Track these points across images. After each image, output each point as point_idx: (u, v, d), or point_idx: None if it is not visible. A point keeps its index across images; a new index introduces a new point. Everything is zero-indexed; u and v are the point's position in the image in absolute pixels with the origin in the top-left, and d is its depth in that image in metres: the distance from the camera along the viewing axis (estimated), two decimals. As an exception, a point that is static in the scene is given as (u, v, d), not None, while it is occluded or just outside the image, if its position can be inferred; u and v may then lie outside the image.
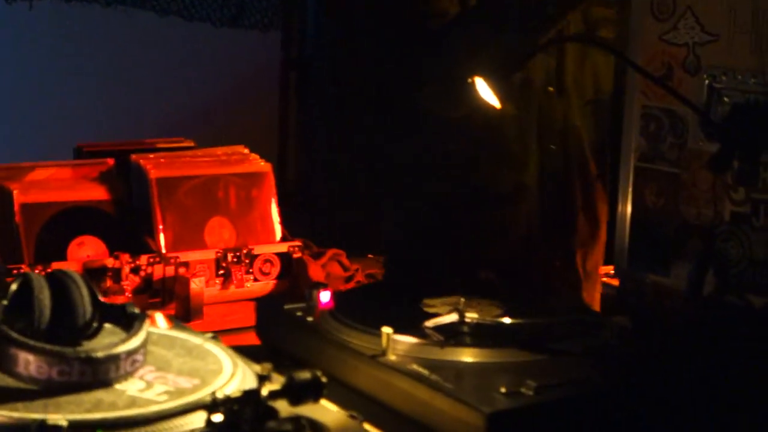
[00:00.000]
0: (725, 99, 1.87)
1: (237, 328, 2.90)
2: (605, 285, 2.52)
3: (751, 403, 1.61)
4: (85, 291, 1.49)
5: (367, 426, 1.41)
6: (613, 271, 2.48)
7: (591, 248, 2.58)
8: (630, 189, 2.01)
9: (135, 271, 2.88)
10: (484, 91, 2.01)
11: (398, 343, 1.63)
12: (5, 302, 1.43)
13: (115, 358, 1.40)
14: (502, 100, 2.06)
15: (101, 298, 1.52)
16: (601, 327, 1.73)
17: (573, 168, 2.51)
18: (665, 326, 1.80)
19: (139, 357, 1.44)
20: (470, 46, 2.22)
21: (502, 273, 2.33)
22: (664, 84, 1.92)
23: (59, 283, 1.48)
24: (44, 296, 1.45)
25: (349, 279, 3.19)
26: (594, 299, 2.55)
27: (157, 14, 4.66)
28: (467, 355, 1.62)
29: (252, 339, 2.67)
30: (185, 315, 2.87)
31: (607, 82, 2.49)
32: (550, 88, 2.45)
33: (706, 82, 1.89)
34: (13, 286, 1.46)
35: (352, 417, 1.41)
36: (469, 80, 2.03)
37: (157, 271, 2.91)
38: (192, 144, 3.33)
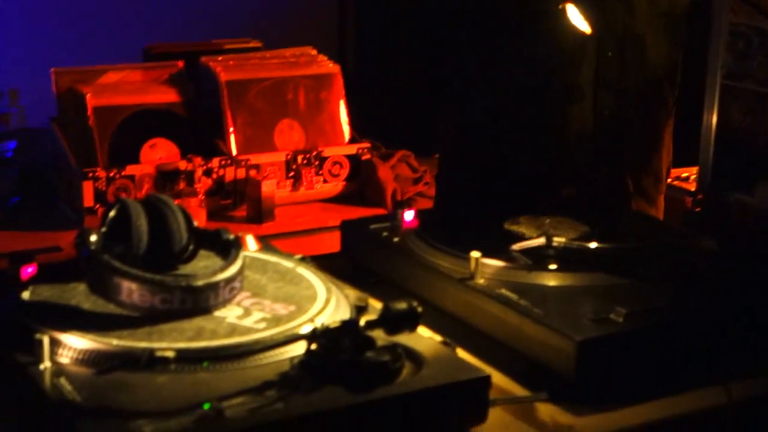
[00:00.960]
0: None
1: (307, 229, 2.94)
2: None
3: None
4: (180, 217, 1.50)
5: (459, 352, 1.43)
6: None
7: (647, 163, 2.55)
8: (716, 106, 1.98)
9: (207, 173, 2.91)
10: (575, 16, 1.98)
11: (486, 266, 1.63)
12: (104, 229, 1.45)
13: (214, 286, 1.42)
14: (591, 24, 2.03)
15: (196, 223, 1.53)
16: (690, 250, 1.72)
17: (630, 77, 2.47)
18: (751, 246, 1.79)
19: (236, 284, 1.46)
20: None
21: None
22: (753, 2, 1.88)
23: (155, 209, 1.49)
24: (142, 222, 1.47)
25: (417, 180, 3.20)
26: (649, 208, 2.53)
27: None
28: (555, 279, 1.62)
29: (324, 241, 2.71)
30: (257, 217, 2.90)
31: None
32: None
33: (800, -4, 1.85)
34: (111, 213, 1.47)
35: (445, 344, 1.42)
36: (560, 6, 2.00)
37: (229, 174, 2.95)
38: (259, 44, 3.33)
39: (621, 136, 2.44)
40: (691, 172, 2.41)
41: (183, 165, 2.88)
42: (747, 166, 1.94)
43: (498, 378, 1.47)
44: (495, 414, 1.37)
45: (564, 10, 2.01)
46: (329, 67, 3.16)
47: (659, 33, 2.44)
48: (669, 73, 2.48)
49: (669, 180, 2.47)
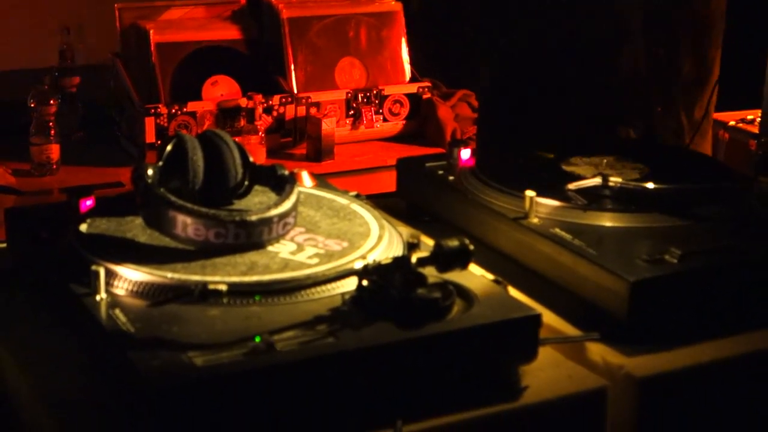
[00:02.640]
0: None
1: (366, 168, 2.95)
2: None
3: None
4: (236, 152, 1.51)
5: (511, 290, 1.43)
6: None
7: (698, 96, 2.50)
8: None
9: (267, 111, 2.93)
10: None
11: (541, 205, 1.62)
12: (161, 164, 1.46)
13: (268, 221, 1.42)
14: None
15: (251, 159, 1.53)
16: (750, 193, 1.69)
17: (681, 10, 2.42)
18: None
19: (290, 220, 1.46)
20: None
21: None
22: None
23: (211, 144, 1.50)
24: (198, 157, 1.47)
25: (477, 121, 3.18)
26: (702, 148, 2.49)
27: None
28: (610, 220, 1.61)
29: (382, 180, 2.71)
30: (316, 155, 2.92)
31: None
32: None
33: None
34: (168, 147, 1.48)
35: (496, 282, 1.42)
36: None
37: (289, 112, 2.96)
38: (321, -19, 3.31)
39: (674, 75, 2.41)
40: (756, 115, 2.37)
41: (244, 102, 2.90)
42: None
43: (549, 317, 1.47)
44: (545, 353, 1.37)
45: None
46: (391, 4, 3.15)
47: None
48: (716, 9, 2.44)
49: (733, 122, 2.44)
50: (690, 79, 2.47)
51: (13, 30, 4.30)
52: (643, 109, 2.42)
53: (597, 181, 1.68)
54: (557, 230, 1.56)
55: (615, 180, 1.68)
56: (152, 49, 2.88)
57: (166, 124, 2.81)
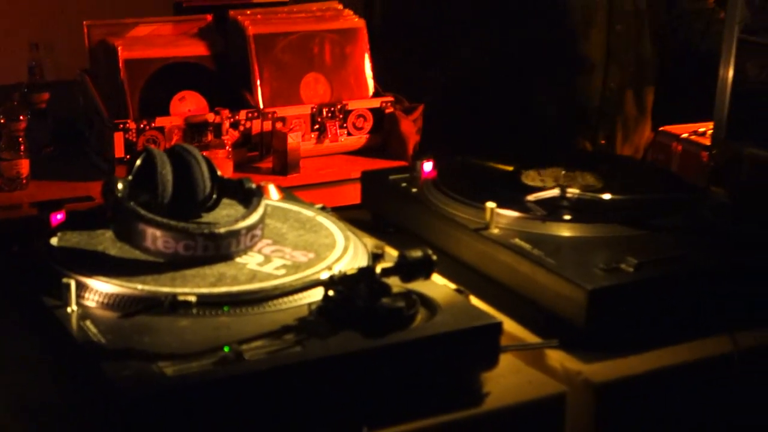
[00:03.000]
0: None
1: (331, 181, 2.95)
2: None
3: None
4: (204, 166, 1.51)
5: (473, 300, 1.44)
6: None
7: (633, 132, 2.54)
8: (732, 60, 1.96)
9: (234, 125, 2.92)
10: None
11: (501, 216, 1.63)
12: (130, 178, 1.46)
13: (235, 234, 1.43)
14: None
15: (219, 173, 1.54)
16: (702, 203, 1.71)
17: (634, 51, 2.44)
18: (762, 200, 1.78)
19: (258, 232, 1.47)
20: None
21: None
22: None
23: (180, 159, 1.50)
24: (167, 171, 1.48)
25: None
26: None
27: None
28: (568, 230, 1.63)
29: (346, 193, 2.71)
30: (282, 169, 2.91)
31: None
32: None
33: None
34: (137, 162, 1.48)
35: (458, 291, 1.43)
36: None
37: (256, 126, 2.95)
38: (285, -1, 3.31)
39: (621, 107, 2.45)
40: (706, 127, 2.39)
41: (211, 117, 2.89)
42: (762, 120, 1.93)
43: (510, 325, 1.49)
44: (506, 360, 1.38)
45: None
46: (354, 21, 3.15)
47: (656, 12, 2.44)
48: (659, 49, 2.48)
49: (685, 135, 2.46)
50: (633, 114, 2.51)
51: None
52: (590, 138, 2.46)
53: (555, 192, 1.69)
54: (517, 240, 1.58)
55: (572, 191, 1.70)
56: (120, 65, 2.87)
57: (134, 139, 2.79)
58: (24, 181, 2.73)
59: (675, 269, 1.52)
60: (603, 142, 2.42)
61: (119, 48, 2.88)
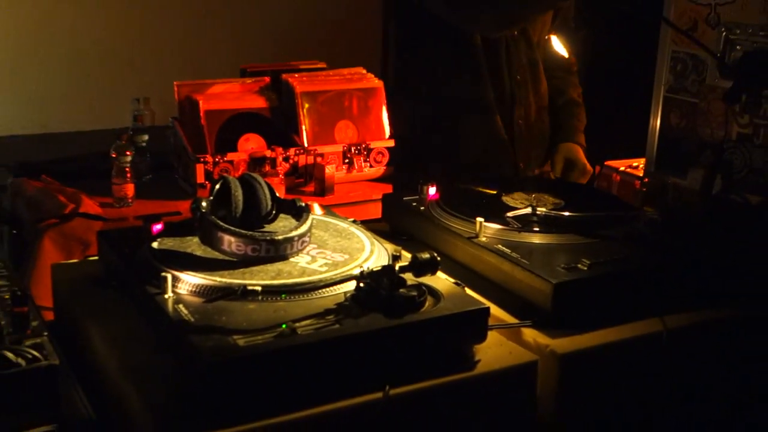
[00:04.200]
0: (737, 47, 1.79)
1: (357, 201, 2.94)
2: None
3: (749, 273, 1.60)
4: (266, 189, 1.50)
5: (467, 291, 1.43)
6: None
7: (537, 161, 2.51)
8: (659, 112, 1.95)
9: (286, 159, 2.92)
10: (557, 44, 1.96)
11: (487, 228, 1.63)
12: (212, 198, 1.46)
13: (290, 240, 1.43)
14: (569, 51, 2.01)
15: (277, 194, 1.53)
16: (637, 219, 1.70)
17: (536, 95, 2.42)
18: (683, 217, 1.77)
19: (306, 238, 1.46)
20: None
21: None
22: (690, 35, 1.84)
23: (248, 183, 1.50)
24: (239, 193, 1.47)
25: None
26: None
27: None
28: (538, 239, 1.62)
29: (370, 210, 2.70)
30: (321, 192, 2.91)
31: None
32: (515, 32, 2.36)
33: (723, 34, 1.81)
34: (217, 186, 1.48)
35: (456, 284, 1.42)
36: (546, 37, 1.98)
37: (301, 160, 2.95)
38: (324, 65, 3.31)
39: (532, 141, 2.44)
40: (639, 162, 2.38)
41: (268, 153, 2.89)
42: (681, 157, 1.92)
43: (495, 310, 1.48)
44: (492, 336, 1.37)
45: (548, 39, 1.99)
46: (375, 82, 3.15)
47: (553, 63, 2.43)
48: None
49: (623, 168, 2.45)
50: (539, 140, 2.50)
51: (101, 100, 4.30)
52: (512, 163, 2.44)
53: (528, 210, 1.68)
54: (500, 246, 1.57)
55: (541, 209, 1.69)
56: (201, 114, 2.88)
57: (211, 169, 2.80)
58: (130, 201, 2.73)
59: (618, 268, 1.51)
60: (521, 164, 2.41)
61: (200, 101, 2.89)
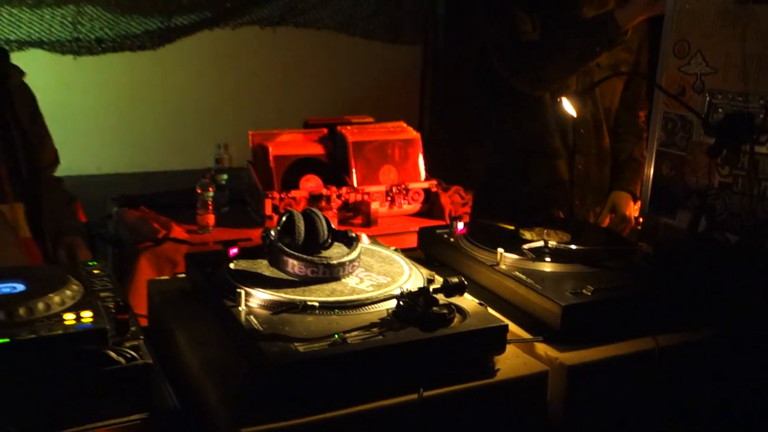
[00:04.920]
0: (719, 110, 1.77)
1: (398, 232, 2.94)
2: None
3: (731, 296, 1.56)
4: (324, 221, 1.50)
5: (489, 310, 1.42)
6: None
7: (597, 198, 2.48)
8: (653, 163, 1.93)
9: (338, 196, 2.94)
10: (567, 105, 1.95)
11: (506, 258, 1.61)
12: (279, 228, 1.46)
13: (343, 264, 1.42)
14: (577, 112, 2.00)
15: (333, 226, 1.54)
16: (634, 252, 1.68)
17: (598, 146, 2.40)
18: (673, 252, 1.74)
19: (356, 263, 1.46)
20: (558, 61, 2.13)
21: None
22: (679, 99, 1.82)
23: (309, 217, 1.50)
24: (301, 224, 1.47)
25: (464, 204, 3.18)
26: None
27: (348, 35, 4.60)
28: (549, 267, 1.59)
29: (408, 240, 2.70)
30: (367, 223, 2.91)
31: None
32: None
33: (707, 98, 1.79)
34: (283, 218, 1.48)
35: (480, 304, 1.41)
36: (558, 99, 1.96)
37: (351, 197, 2.96)
38: (371, 120, 3.34)
39: (589, 185, 2.41)
40: (636, 204, 2.36)
41: (324, 191, 2.92)
42: (671, 201, 1.89)
43: (512, 327, 1.45)
44: (509, 349, 1.35)
45: (560, 101, 1.97)
46: (413, 134, 3.17)
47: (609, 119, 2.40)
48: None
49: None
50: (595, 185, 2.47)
51: (190, 145, 4.38)
52: (567, 203, 2.40)
53: (541, 243, 1.66)
54: (517, 273, 1.55)
55: (552, 243, 1.67)
56: (270, 158, 2.91)
57: (277, 204, 2.82)
58: (210, 228, 2.77)
59: (617, 293, 1.48)
60: (578, 202, 2.37)
61: (270, 148, 2.92)
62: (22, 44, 3.66)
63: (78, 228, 2.08)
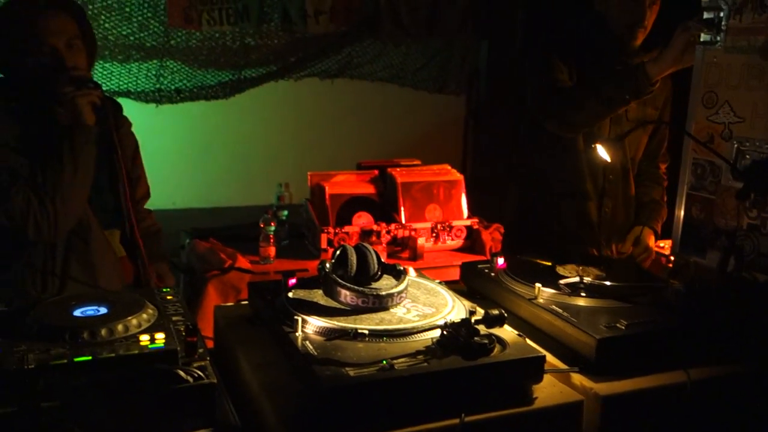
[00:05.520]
0: (747, 156, 1.72)
1: (441, 266, 2.92)
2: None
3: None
4: (374, 255, 1.50)
5: (528, 341, 1.39)
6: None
7: (615, 241, 2.43)
8: (683, 206, 1.88)
9: (388, 232, 2.93)
10: (602, 150, 1.92)
11: (544, 292, 1.58)
12: (333, 261, 1.47)
13: (391, 295, 1.42)
14: (611, 157, 1.98)
15: (383, 259, 1.53)
16: (665, 289, 1.63)
17: (624, 192, 2.36)
18: (703, 290, 1.68)
19: (403, 294, 1.45)
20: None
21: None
22: (709, 146, 1.78)
23: (360, 251, 1.50)
24: (353, 258, 1.48)
25: (503, 241, 3.14)
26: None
27: (399, 86, 4.63)
28: (584, 302, 1.56)
29: (452, 274, 2.67)
30: (413, 257, 2.90)
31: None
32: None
33: (735, 146, 1.75)
34: (337, 252, 1.49)
35: (519, 335, 1.38)
36: (593, 145, 1.94)
37: (399, 233, 2.95)
38: (419, 162, 3.34)
39: (615, 227, 2.37)
40: (667, 244, 2.29)
41: (375, 227, 2.91)
42: (701, 241, 1.83)
43: (549, 357, 1.42)
44: (546, 378, 1.32)
45: (594, 147, 1.95)
46: (457, 176, 3.16)
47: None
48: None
49: (655, 248, 2.36)
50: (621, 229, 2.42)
51: (254, 184, 4.44)
52: (596, 243, 2.36)
53: (576, 279, 1.63)
54: (554, 306, 1.52)
55: (587, 279, 1.63)
56: (327, 197, 2.93)
57: (332, 238, 2.83)
58: (272, 260, 2.79)
59: (650, 328, 1.44)
60: (603, 242, 2.32)
61: (326, 187, 2.94)
62: (112, 94, 3.79)
63: (164, 255, 2.15)
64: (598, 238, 2.34)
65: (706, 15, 1.77)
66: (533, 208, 2.44)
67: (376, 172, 3.13)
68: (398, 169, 3.10)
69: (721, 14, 1.75)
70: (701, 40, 1.79)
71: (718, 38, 1.76)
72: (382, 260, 1.53)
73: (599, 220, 2.33)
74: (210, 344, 1.57)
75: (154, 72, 3.80)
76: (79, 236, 1.77)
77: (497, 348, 1.29)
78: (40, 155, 1.71)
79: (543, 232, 2.37)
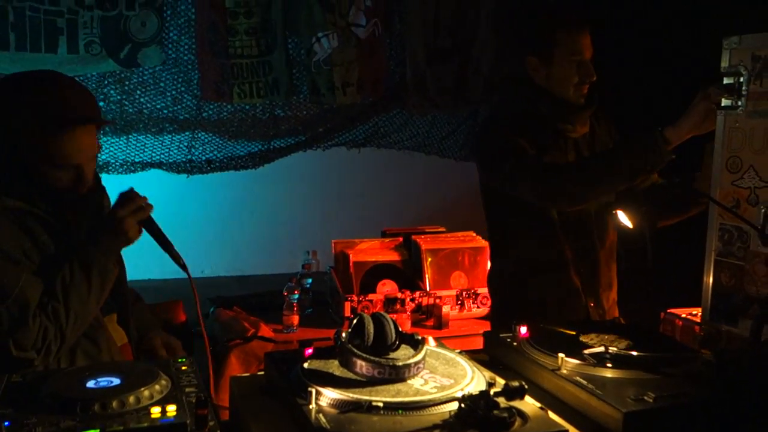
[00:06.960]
0: (775, 221, 1.68)
1: (467, 334, 2.86)
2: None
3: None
4: (392, 325, 1.48)
5: (550, 414, 1.33)
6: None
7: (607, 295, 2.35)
8: (711, 273, 1.82)
9: (412, 300, 2.90)
10: (623, 217, 1.89)
11: (567, 362, 1.53)
12: (349, 330, 1.45)
13: (409, 366, 1.38)
14: (633, 223, 1.94)
15: (400, 329, 1.50)
16: (696, 359, 1.56)
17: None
18: (736, 360, 1.61)
19: (421, 365, 1.41)
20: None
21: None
22: (735, 212, 1.74)
23: (378, 320, 1.48)
24: (370, 327, 1.45)
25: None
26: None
27: (425, 154, 4.67)
28: (610, 373, 1.50)
29: (475, 342, 2.61)
30: (438, 325, 2.85)
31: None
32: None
33: (762, 210, 1.70)
34: (354, 321, 1.47)
35: (541, 408, 1.33)
36: (614, 212, 1.91)
37: (424, 301, 2.93)
38: (443, 229, 3.34)
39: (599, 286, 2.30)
40: (697, 311, 2.22)
41: (399, 295, 2.89)
42: (732, 309, 1.77)
43: (572, 431, 1.36)
44: (571, 454, 1.26)
45: (615, 214, 1.91)
46: (481, 243, 3.14)
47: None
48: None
49: (684, 315, 2.27)
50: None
51: (280, 252, 4.48)
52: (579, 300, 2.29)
53: (601, 349, 1.57)
54: (578, 378, 1.46)
55: (613, 349, 1.57)
56: (351, 264, 2.93)
57: (356, 306, 2.81)
58: (295, 328, 2.77)
59: (679, 401, 1.37)
60: (592, 305, 2.25)
61: (351, 255, 2.94)
62: (145, 165, 3.89)
63: (158, 324, 2.10)
64: (585, 302, 2.27)
65: (726, 81, 1.76)
66: (506, 280, 2.37)
67: (401, 239, 3.13)
68: (423, 236, 3.09)
69: (741, 79, 1.74)
70: (722, 105, 1.78)
71: (740, 103, 1.75)
72: (400, 329, 1.49)
73: (582, 284, 2.26)
74: (226, 415, 1.54)
75: (186, 143, 3.90)
76: (88, 337, 1.73)
77: (518, 422, 1.24)
78: (57, 272, 1.62)
79: (520, 305, 2.30)
